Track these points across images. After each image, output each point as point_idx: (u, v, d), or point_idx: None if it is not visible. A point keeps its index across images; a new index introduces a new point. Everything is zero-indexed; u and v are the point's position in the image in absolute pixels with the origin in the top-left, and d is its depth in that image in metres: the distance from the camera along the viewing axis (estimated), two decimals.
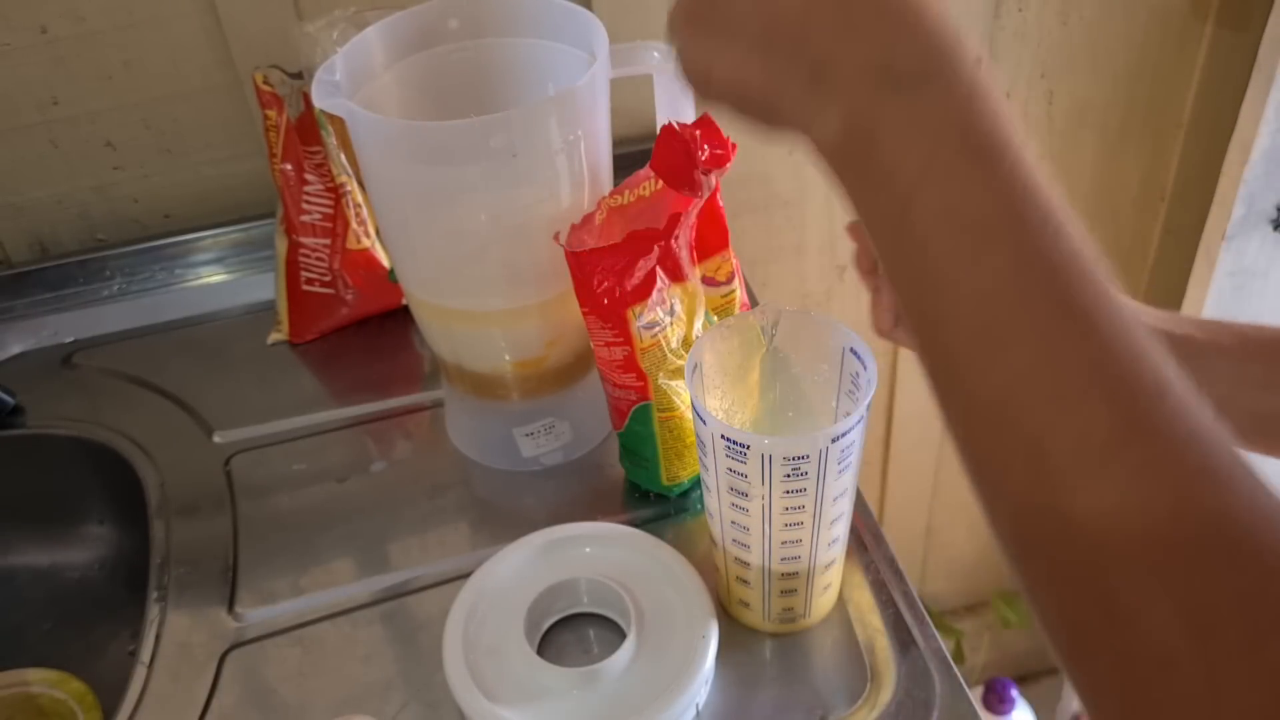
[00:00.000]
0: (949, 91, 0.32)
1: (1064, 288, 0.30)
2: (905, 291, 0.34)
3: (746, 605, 0.56)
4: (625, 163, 0.63)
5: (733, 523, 0.51)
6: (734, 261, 0.63)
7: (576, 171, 0.57)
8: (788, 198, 0.97)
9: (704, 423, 0.48)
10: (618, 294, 0.54)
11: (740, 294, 0.64)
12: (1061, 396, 0.30)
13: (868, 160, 0.33)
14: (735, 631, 0.57)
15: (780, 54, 0.35)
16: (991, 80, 0.33)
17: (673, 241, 0.55)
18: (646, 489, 0.64)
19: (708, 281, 0.62)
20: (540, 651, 0.55)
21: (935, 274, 0.32)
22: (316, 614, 0.60)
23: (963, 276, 0.32)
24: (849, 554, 0.58)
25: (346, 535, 0.64)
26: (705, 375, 0.52)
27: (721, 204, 0.60)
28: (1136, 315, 0.31)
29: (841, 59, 0.33)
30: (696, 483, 0.64)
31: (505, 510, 0.66)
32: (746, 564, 0.53)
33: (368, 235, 0.77)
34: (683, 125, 0.56)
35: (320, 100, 0.53)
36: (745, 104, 0.37)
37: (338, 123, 0.73)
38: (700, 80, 0.38)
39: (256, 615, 0.60)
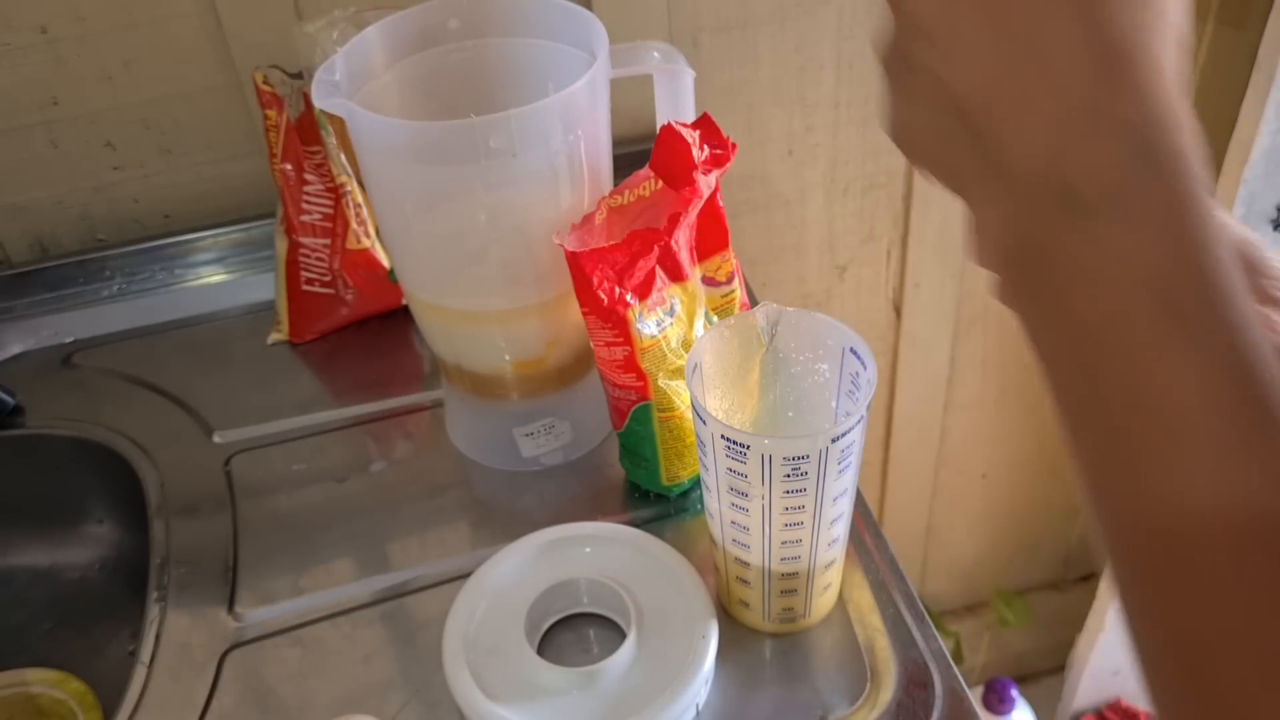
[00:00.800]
0: (1145, 224, 0.25)
1: None
2: (1082, 468, 0.27)
3: (746, 605, 0.56)
4: (625, 163, 0.63)
5: (733, 523, 0.51)
6: (734, 261, 0.63)
7: (576, 171, 0.57)
8: (788, 198, 0.97)
9: (704, 423, 0.48)
10: (618, 294, 0.54)
11: (740, 294, 0.64)
12: (1272, 669, 0.24)
13: (1041, 286, 0.27)
14: (735, 631, 0.57)
15: (961, 119, 0.28)
16: (1205, 194, 0.25)
17: (673, 241, 0.56)
18: (646, 489, 0.64)
19: (708, 281, 0.62)
20: (540, 651, 0.55)
21: (1120, 469, 0.26)
22: (316, 614, 0.60)
23: (1153, 484, 0.25)
24: (849, 554, 0.58)
25: (346, 535, 0.64)
26: (705, 375, 0.52)
27: (721, 204, 0.60)
28: None
29: (1015, 147, 0.26)
30: (696, 483, 0.64)
31: (505, 510, 0.66)
32: (746, 564, 0.53)
33: (368, 235, 0.77)
34: (683, 125, 0.56)
35: (320, 100, 0.53)
36: (936, 169, 0.31)
37: (338, 123, 0.73)
38: (895, 137, 0.31)
39: (256, 615, 0.60)
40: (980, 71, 0.27)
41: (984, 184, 0.28)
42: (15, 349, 0.80)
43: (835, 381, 0.52)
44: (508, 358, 0.63)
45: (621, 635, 0.55)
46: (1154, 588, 0.26)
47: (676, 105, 0.61)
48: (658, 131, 0.57)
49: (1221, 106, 0.98)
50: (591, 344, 0.57)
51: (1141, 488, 0.26)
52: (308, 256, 0.77)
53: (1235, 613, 0.24)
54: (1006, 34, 0.26)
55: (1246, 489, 0.24)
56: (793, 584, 0.53)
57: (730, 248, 0.62)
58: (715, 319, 0.61)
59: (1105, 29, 0.25)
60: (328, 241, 0.77)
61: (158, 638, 0.59)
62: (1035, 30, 0.25)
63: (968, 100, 0.27)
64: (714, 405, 0.53)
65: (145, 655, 0.58)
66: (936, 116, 0.29)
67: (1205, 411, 0.25)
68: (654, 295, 0.55)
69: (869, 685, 0.54)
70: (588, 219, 0.56)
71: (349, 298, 0.78)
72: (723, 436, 0.47)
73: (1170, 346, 0.25)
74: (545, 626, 0.58)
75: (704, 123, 0.58)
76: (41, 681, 0.69)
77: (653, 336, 0.56)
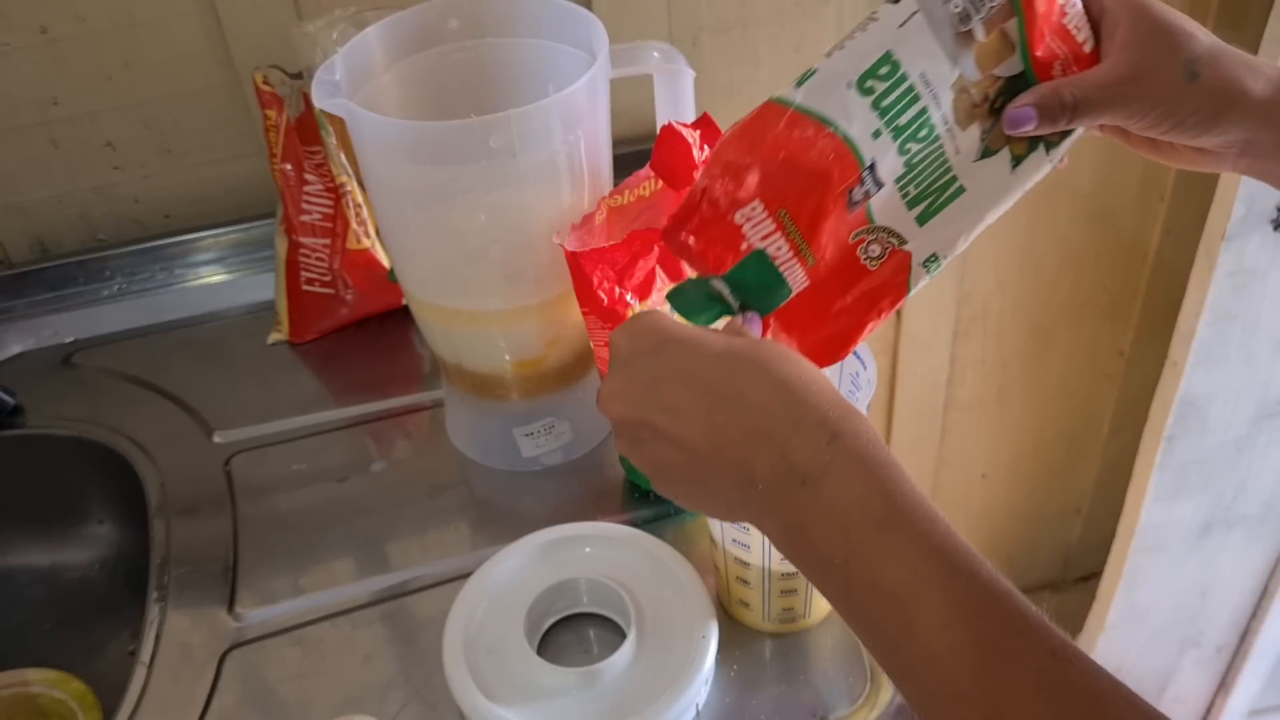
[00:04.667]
0: (849, 476, 0.36)
1: (1008, 643, 0.35)
2: (861, 639, 0.38)
3: (746, 605, 0.56)
4: (625, 163, 0.63)
5: (733, 523, 0.51)
6: None
7: (576, 171, 0.57)
8: None
9: None
10: (618, 294, 0.54)
11: None
12: None
13: (808, 551, 0.38)
14: (735, 631, 0.57)
15: (709, 477, 0.39)
16: (878, 442, 0.37)
17: None
18: (646, 489, 0.64)
19: None
20: (540, 651, 0.55)
21: (884, 642, 0.36)
22: (316, 614, 0.60)
23: (903, 644, 0.35)
24: None
25: (346, 535, 0.64)
26: None
27: None
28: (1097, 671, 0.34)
29: (757, 467, 0.37)
30: None
31: (505, 510, 0.66)
32: (746, 564, 0.53)
33: (368, 235, 0.77)
34: (683, 125, 0.56)
35: (320, 100, 0.53)
36: (702, 510, 0.42)
37: (338, 123, 0.73)
38: (659, 489, 0.42)
39: (256, 615, 0.60)
40: (706, 434, 0.38)
41: (747, 505, 0.39)
42: (15, 349, 0.80)
43: (835, 381, 0.52)
44: (508, 358, 0.63)
45: (621, 635, 0.55)
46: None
47: (676, 105, 0.61)
48: (658, 131, 0.57)
49: None
50: (591, 344, 0.57)
51: (892, 645, 0.36)
52: (308, 256, 0.77)
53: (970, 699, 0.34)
54: (721, 402, 0.38)
55: (954, 638, 0.34)
56: (793, 584, 0.53)
57: None
58: None
59: (779, 376, 0.38)
60: (328, 241, 0.77)
61: (158, 638, 0.59)
62: (737, 391, 0.38)
63: (706, 457, 0.38)
64: None
65: (145, 655, 0.58)
66: (684, 482, 0.40)
67: (917, 580, 0.35)
68: (654, 295, 0.55)
69: (869, 685, 0.54)
70: (588, 219, 0.56)
71: (349, 298, 0.78)
72: None
73: (883, 542, 0.36)
74: (545, 626, 0.58)
75: (704, 123, 0.57)
76: (41, 681, 0.69)
77: None
